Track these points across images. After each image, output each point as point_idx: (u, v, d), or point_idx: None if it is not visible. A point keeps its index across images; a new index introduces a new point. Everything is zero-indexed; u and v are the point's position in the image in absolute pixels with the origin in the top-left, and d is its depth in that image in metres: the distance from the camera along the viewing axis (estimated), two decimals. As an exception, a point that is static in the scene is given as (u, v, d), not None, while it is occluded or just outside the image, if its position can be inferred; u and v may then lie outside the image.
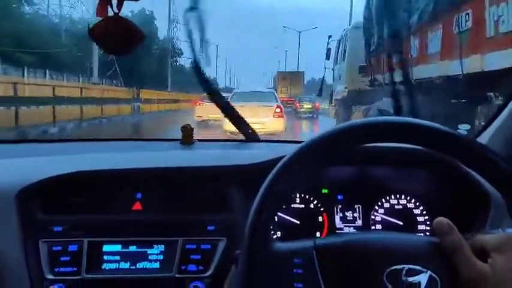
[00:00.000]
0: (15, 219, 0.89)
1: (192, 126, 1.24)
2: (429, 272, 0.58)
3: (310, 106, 22.64)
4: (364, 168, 1.10)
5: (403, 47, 6.74)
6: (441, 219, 0.61)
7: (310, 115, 22.23)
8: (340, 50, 12.94)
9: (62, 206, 0.95)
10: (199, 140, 1.27)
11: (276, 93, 12.05)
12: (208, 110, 12.03)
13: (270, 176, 0.61)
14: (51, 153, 1.15)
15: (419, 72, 5.99)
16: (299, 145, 0.62)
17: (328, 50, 13.80)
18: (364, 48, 10.00)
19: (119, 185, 1.00)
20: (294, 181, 0.62)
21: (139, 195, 0.98)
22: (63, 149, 1.28)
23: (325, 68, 14.28)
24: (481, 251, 0.58)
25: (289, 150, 0.62)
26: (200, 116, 12.77)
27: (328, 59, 13.97)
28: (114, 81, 24.12)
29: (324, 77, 14.74)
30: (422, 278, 0.58)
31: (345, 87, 11.79)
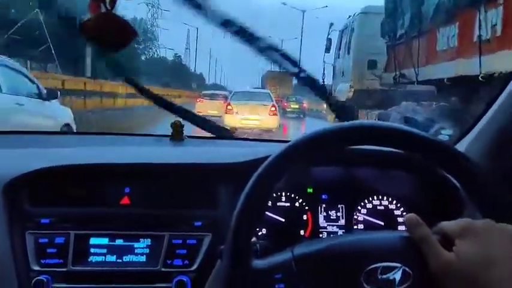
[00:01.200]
0: (2, 210, 0.90)
1: (182, 123, 1.27)
2: (402, 267, 0.60)
3: (297, 106, 22.89)
4: (349, 169, 1.13)
5: (461, 26, 4.72)
6: (411, 215, 0.63)
7: (297, 115, 22.39)
8: (343, 42, 11.04)
9: (49, 198, 0.96)
10: (189, 137, 1.28)
11: (271, 94, 12.72)
12: (207, 106, 13.20)
13: (256, 174, 0.63)
14: (40, 146, 1.17)
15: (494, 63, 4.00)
16: (285, 144, 0.63)
17: (329, 40, 11.63)
18: (386, 34, 8.22)
19: (107, 179, 1.01)
20: (277, 181, 0.63)
21: (127, 190, 1.00)
22: (52, 142, 1.30)
23: (324, 63, 11.94)
24: (445, 239, 0.60)
25: (277, 149, 0.64)
26: (200, 112, 13.70)
27: (329, 52, 11.72)
28: (49, 65, 17.66)
29: (324, 74, 11.87)
30: (397, 274, 0.60)
31: (350, 86, 10.08)
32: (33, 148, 1.13)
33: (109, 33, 0.72)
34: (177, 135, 1.24)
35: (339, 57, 11.64)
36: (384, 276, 0.60)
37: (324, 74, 11.81)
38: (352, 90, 10.07)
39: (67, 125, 5.49)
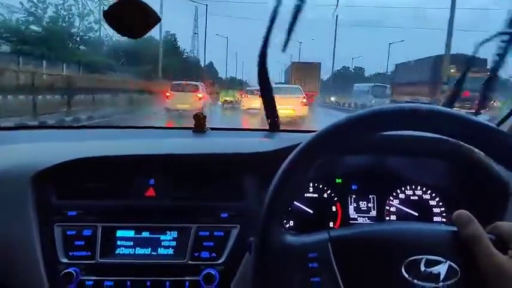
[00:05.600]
0: (30, 202, 0.90)
1: (204, 115, 1.25)
2: (448, 262, 0.56)
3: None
4: (379, 157, 1.08)
5: None
6: (461, 211, 0.60)
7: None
8: None
9: (76, 191, 0.96)
10: (211, 129, 1.27)
11: (301, 88, 14.89)
12: (251, 101, 15.87)
13: (285, 163, 0.60)
14: (66, 139, 1.17)
15: None
16: (313, 133, 0.60)
17: None
18: None
19: (132, 171, 1.00)
20: (309, 169, 0.60)
21: (152, 182, 0.99)
22: (78, 135, 1.30)
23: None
24: (500, 241, 0.56)
25: (304, 138, 0.61)
26: (244, 106, 17.03)
27: None
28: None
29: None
30: (442, 269, 0.56)
31: None
32: (58, 142, 1.14)
33: (132, 19, 0.72)
34: (199, 127, 1.23)
35: None
36: (428, 270, 0.56)
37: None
38: None
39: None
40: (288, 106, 11.80)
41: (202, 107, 13.53)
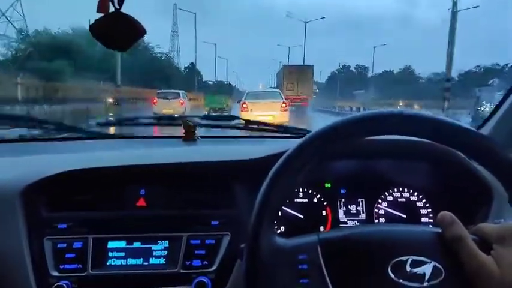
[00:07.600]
0: (20, 216, 0.90)
1: (195, 124, 1.25)
2: (433, 263, 0.58)
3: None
4: (367, 161, 1.10)
5: None
6: (444, 213, 0.61)
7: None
8: None
9: (66, 203, 0.96)
10: (201, 137, 1.27)
11: (281, 92, 14.20)
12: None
13: (273, 169, 0.61)
14: (55, 152, 1.16)
15: None
16: (301, 139, 0.62)
17: None
18: None
19: (122, 181, 1.00)
20: (297, 174, 0.62)
21: (143, 192, 0.99)
22: (67, 147, 1.30)
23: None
24: (483, 242, 0.58)
25: (292, 144, 0.62)
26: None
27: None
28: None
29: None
30: (427, 269, 0.58)
31: None
32: (47, 154, 1.13)
33: (118, 32, 0.72)
34: (189, 136, 1.23)
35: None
36: (414, 270, 0.58)
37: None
38: None
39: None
40: (267, 113, 11.36)
41: (184, 111, 16.33)
